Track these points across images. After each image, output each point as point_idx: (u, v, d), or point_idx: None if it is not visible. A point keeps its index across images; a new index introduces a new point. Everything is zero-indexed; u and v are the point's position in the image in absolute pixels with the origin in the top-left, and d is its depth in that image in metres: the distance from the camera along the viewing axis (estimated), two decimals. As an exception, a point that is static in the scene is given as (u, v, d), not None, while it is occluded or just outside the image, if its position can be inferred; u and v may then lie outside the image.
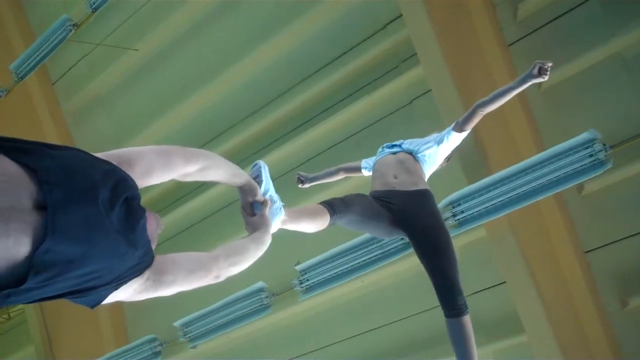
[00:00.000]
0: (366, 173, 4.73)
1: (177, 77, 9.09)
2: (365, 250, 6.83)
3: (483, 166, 6.11)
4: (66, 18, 9.27)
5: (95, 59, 9.77)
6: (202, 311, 7.83)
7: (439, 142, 4.38)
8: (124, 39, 9.26)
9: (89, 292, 2.09)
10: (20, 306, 11.06)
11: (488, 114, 6.16)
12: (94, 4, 9.00)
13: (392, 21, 7.07)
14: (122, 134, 9.70)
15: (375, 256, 6.76)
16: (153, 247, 2.32)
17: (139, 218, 2.15)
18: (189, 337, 7.92)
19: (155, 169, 2.32)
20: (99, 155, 2.18)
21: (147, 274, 2.27)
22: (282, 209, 3.06)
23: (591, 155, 5.46)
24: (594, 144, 5.44)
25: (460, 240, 6.56)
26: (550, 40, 6.21)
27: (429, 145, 4.38)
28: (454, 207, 6.15)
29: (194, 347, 7.94)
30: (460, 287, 3.85)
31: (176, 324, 7.83)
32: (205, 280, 2.47)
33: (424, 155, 4.38)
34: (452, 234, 6.08)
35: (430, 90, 6.55)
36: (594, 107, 6.03)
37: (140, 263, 2.21)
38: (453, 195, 6.08)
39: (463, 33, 6.35)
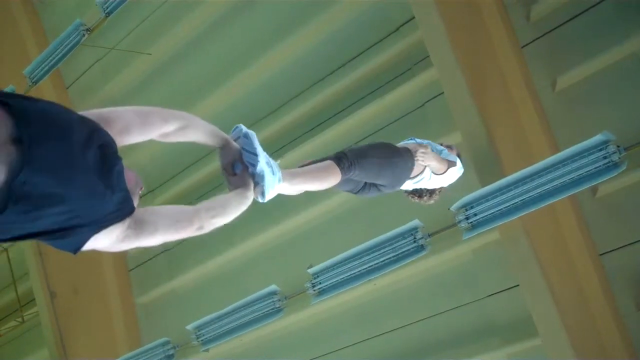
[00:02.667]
0: None
1: (190, 80, 9.12)
2: (377, 253, 6.80)
3: (496, 168, 6.08)
4: (79, 23, 9.32)
5: (108, 63, 9.82)
6: (214, 314, 7.82)
7: None
8: (137, 43, 9.31)
9: (69, 232, 2.18)
10: (34, 309, 11.11)
11: (501, 113, 6.19)
12: (107, 8, 9.06)
13: (404, 23, 7.07)
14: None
15: (388, 259, 6.74)
16: (135, 203, 2.41)
17: (114, 164, 2.27)
18: (202, 340, 7.92)
19: (133, 127, 2.43)
20: (82, 114, 2.29)
21: (127, 221, 2.36)
22: (279, 172, 3.00)
23: (605, 157, 5.42)
24: (607, 145, 5.40)
25: (473, 243, 6.56)
26: (564, 42, 6.19)
27: None
28: (467, 210, 6.12)
29: (207, 350, 7.95)
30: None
31: (189, 327, 7.84)
32: (188, 230, 2.55)
33: None
34: (465, 236, 6.12)
35: (443, 92, 6.54)
36: (608, 108, 6.00)
37: (120, 209, 2.30)
38: (466, 198, 6.05)
39: (476, 35, 6.33)
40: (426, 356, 7.09)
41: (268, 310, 7.70)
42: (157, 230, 2.45)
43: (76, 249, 2.28)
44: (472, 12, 6.35)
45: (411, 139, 4.64)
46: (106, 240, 2.34)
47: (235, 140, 2.88)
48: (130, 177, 2.44)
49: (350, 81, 7.50)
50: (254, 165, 2.84)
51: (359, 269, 6.92)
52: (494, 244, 6.47)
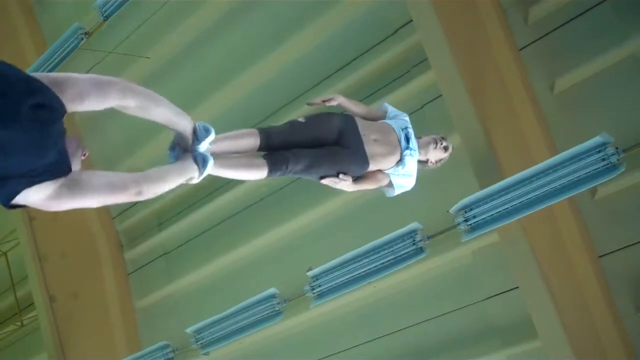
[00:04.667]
0: None
1: (189, 83, 9.11)
2: (377, 255, 6.82)
3: (495, 170, 6.08)
4: (78, 26, 9.33)
5: (107, 66, 9.81)
6: (214, 317, 7.82)
7: None
8: (136, 46, 9.30)
9: (1, 183, 2.29)
10: (34, 313, 11.09)
11: (500, 115, 6.20)
12: (105, 12, 9.06)
13: (402, 26, 7.07)
14: (132, 143, 9.74)
15: (387, 262, 6.76)
16: (76, 167, 2.53)
17: (50, 123, 2.37)
18: (201, 343, 7.92)
19: (87, 96, 2.52)
20: (32, 74, 2.41)
21: (62, 180, 2.45)
22: (210, 166, 3.18)
23: (604, 159, 5.44)
24: (606, 147, 5.42)
25: (472, 245, 6.57)
26: (562, 44, 6.20)
27: None
28: (466, 212, 6.14)
29: (207, 353, 7.94)
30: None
31: (189, 330, 7.84)
32: (125, 194, 2.64)
33: None
34: (464, 238, 6.13)
35: (441, 95, 6.54)
36: (607, 110, 6.01)
37: (53, 166, 2.41)
38: (465, 200, 6.07)
39: (474, 37, 6.34)
40: (427, 358, 7.09)
41: (268, 313, 7.70)
42: (91, 191, 2.53)
43: (6, 200, 2.37)
44: (470, 14, 6.36)
45: (383, 105, 4.59)
46: (38, 196, 2.42)
47: (195, 133, 3.10)
48: (72, 142, 2.55)
49: (348, 84, 7.50)
50: (198, 145, 3.10)
51: (359, 271, 6.93)
52: (493, 246, 6.48)
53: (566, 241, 6.04)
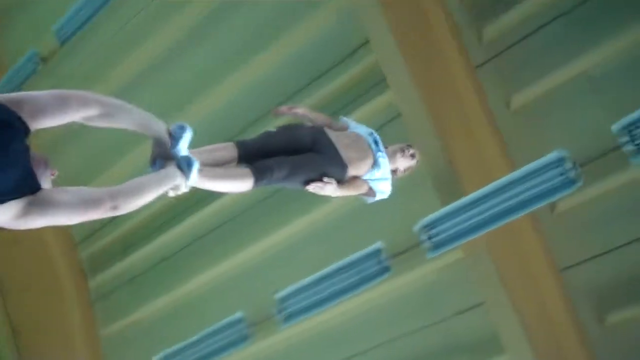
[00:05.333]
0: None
1: (148, 108, 9.03)
2: (343, 276, 6.84)
3: (456, 188, 6.14)
4: (34, 52, 9.24)
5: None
6: (181, 344, 7.76)
7: None
8: (94, 70, 9.23)
9: None
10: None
11: (459, 133, 6.25)
12: (62, 37, 8.99)
13: (360, 46, 7.10)
14: (101, 160, 9.62)
15: (353, 282, 6.79)
16: (46, 186, 2.49)
17: (10, 140, 2.34)
18: (169, 372, 7.85)
19: (47, 110, 2.46)
20: None
21: (30, 198, 2.40)
22: (196, 170, 3.02)
23: (562, 174, 5.53)
24: (564, 162, 5.52)
25: (437, 263, 6.59)
26: (517, 61, 6.26)
27: None
28: (429, 230, 6.18)
29: (174, 382, 7.86)
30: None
31: (155, 358, 7.75)
32: (100, 209, 2.53)
33: None
34: (429, 256, 6.16)
35: (400, 115, 6.58)
36: (563, 125, 6.08)
37: (19, 183, 2.36)
38: (428, 218, 6.13)
39: (430, 56, 6.40)
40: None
41: (235, 338, 7.66)
42: (63, 208, 2.45)
43: None
44: (426, 34, 6.42)
45: (343, 119, 4.61)
46: (5, 216, 2.37)
47: (172, 135, 2.94)
48: (39, 161, 2.49)
49: (308, 104, 7.49)
50: (175, 147, 2.93)
51: (325, 292, 6.94)
52: (458, 263, 6.51)
53: (529, 256, 6.10)
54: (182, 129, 2.94)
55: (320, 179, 3.98)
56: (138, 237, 9.67)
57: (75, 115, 2.54)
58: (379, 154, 4.34)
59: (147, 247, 9.50)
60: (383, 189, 4.40)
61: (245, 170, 3.74)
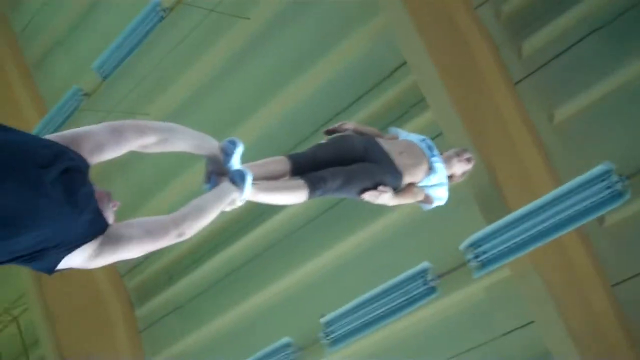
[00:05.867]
0: None
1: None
2: (389, 298, 6.78)
3: (501, 205, 6.08)
4: (77, 89, 9.43)
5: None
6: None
7: None
8: (136, 104, 9.40)
9: (41, 255, 2.28)
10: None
11: (501, 152, 6.21)
12: (103, 72, 9.16)
13: (397, 68, 7.12)
14: (142, 194, 9.75)
15: (400, 303, 6.72)
16: (110, 220, 2.49)
17: (80, 185, 2.35)
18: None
19: (106, 144, 2.48)
20: (46, 136, 2.39)
21: (100, 239, 2.42)
22: (250, 182, 3.01)
23: (608, 187, 5.44)
24: (610, 175, 5.43)
25: (484, 282, 6.52)
26: (557, 76, 6.23)
27: None
28: (475, 249, 6.11)
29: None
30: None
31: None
32: (167, 238, 2.56)
33: None
34: (475, 275, 6.09)
35: (442, 133, 6.57)
36: (608, 138, 6.02)
37: (90, 227, 2.38)
38: (474, 236, 6.05)
39: (469, 74, 6.39)
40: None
41: (284, 364, 7.64)
42: (133, 243, 2.48)
43: (50, 270, 2.35)
44: (463, 52, 6.42)
45: (392, 129, 4.59)
46: (79, 259, 2.40)
47: (224, 151, 2.96)
48: (102, 196, 2.50)
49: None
50: (228, 162, 2.94)
51: (372, 315, 6.88)
52: (505, 281, 6.44)
53: (578, 272, 6.00)
54: (233, 144, 2.95)
55: (375, 188, 3.92)
56: (183, 266, 9.76)
57: (132, 145, 2.56)
58: (434, 159, 4.28)
59: (192, 275, 9.58)
60: (440, 195, 4.34)
61: (299, 181, 3.69)
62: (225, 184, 2.90)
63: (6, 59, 11.12)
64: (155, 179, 9.56)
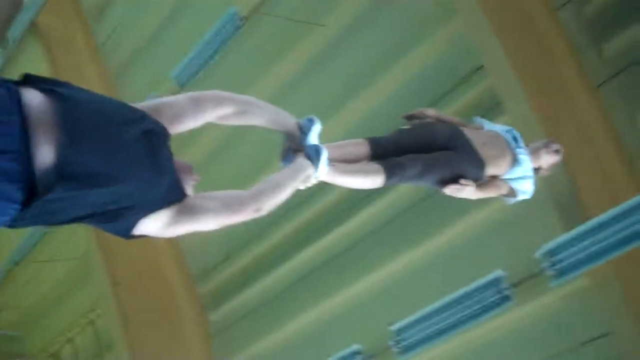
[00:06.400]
0: None
1: (246, 160, 9.26)
2: (461, 306, 6.69)
3: (580, 211, 5.94)
4: (154, 95, 9.66)
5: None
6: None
7: None
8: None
9: (117, 215, 2.30)
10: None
11: (581, 156, 6.05)
12: (181, 80, 9.36)
13: (474, 71, 7.05)
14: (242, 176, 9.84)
15: (472, 312, 6.63)
16: (188, 192, 2.51)
17: (160, 149, 2.37)
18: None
19: (185, 113, 2.52)
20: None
21: (177, 207, 2.44)
22: (325, 158, 2.97)
23: (693, 191, 5.26)
24: (696, 178, 5.25)
25: (561, 291, 6.35)
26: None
27: None
28: (552, 257, 5.98)
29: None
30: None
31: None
32: (244, 213, 2.57)
33: None
34: (552, 284, 5.95)
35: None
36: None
37: (168, 194, 2.40)
38: (551, 244, 5.94)
39: (548, 78, 6.26)
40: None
41: (355, 371, 7.60)
42: (209, 214, 2.50)
43: (126, 232, 2.39)
44: (542, 55, 6.31)
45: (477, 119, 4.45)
46: (155, 225, 2.43)
47: (302, 129, 2.95)
48: (183, 166, 2.54)
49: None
50: (305, 140, 2.92)
51: (443, 323, 6.80)
52: (583, 291, 6.24)
53: (660, 282, 5.80)
54: (311, 121, 2.95)
55: (456, 180, 3.81)
56: (255, 271, 9.83)
57: (211, 115, 2.60)
58: (519, 150, 4.15)
59: (264, 280, 9.64)
60: (525, 188, 4.21)
61: (376, 166, 3.62)
62: (301, 160, 2.90)
63: (89, 70, 11.50)
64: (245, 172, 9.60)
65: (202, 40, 8.91)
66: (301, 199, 8.68)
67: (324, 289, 8.69)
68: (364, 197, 8.19)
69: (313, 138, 2.94)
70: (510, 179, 4.13)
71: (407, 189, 7.72)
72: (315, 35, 8.46)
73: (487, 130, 4.25)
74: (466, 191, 3.84)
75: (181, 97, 2.57)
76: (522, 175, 4.15)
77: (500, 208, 6.92)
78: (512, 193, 4.18)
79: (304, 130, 2.93)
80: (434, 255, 7.57)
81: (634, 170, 6.06)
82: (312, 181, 2.97)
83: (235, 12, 8.56)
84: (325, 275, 8.77)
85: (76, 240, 11.43)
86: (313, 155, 2.90)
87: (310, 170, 2.87)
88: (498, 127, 4.32)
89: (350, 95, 8.21)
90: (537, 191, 5.68)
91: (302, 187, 2.94)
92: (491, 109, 6.84)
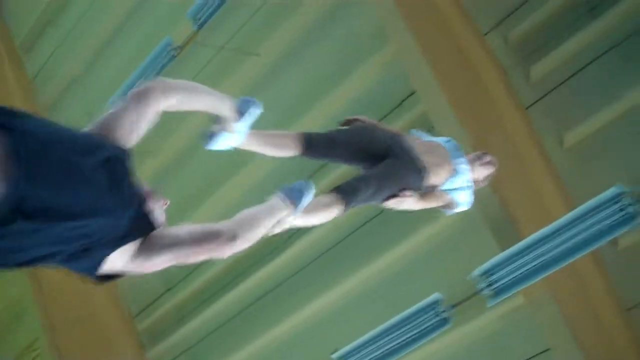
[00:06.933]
0: None
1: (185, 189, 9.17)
2: (401, 330, 6.70)
3: (513, 231, 6.03)
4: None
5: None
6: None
7: None
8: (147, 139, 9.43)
9: (82, 253, 2.13)
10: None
11: (512, 177, 6.18)
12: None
13: (407, 98, 7.16)
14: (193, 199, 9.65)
15: (412, 336, 6.66)
16: (161, 220, 2.37)
17: (124, 176, 2.21)
18: None
19: (131, 117, 2.37)
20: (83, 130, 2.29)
21: (147, 239, 2.29)
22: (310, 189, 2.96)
23: (621, 210, 5.43)
24: (622, 198, 5.41)
25: (498, 310, 6.43)
26: (567, 99, 6.25)
27: None
28: (488, 277, 6.05)
29: None
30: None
31: None
32: (219, 241, 2.40)
33: None
34: (489, 304, 6.00)
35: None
36: (619, 160, 6.00)
37: (135, 225, 2.23)
38: (486, 264, 6.00)
39: (479, 101, 6.41)
40: None
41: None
42: (182, 244, 2.36)
43: (93, 269, 2.21)
44: (473, 80, 6.45)
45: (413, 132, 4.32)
46: (122, 259, 2.27)
47: (238, 110, 2.94)
48: (150, 194, 2.38)
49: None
50: (241, 121, 2.93)
51: (384, 348, 6.79)
52: (520, 309, 6.33)
53: (592, 296, 5.92)
54: (248, 103, 2.93)
55: (399, 194, 3.70)
56: (193, 307, 9.68)
57: (158, 109, 2.47)
58: (460, 160, 4.08)
59: (202, 316, 9.49)
60: (464, 199, 4.13)
61: (332, 197, 3.47)
62: (277, 199, 2.80)
63: (19, 103, 11.25)
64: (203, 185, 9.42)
65: (137, 69, 8.80)
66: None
67: (264, 322, 8.60)
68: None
69: (248, 123, 2.93)
70: (450, 190, 4.05)
71: (347, 215, 7.74)
72: (250, 65, 8.48)
73: (424, 140, 4.18)
74: (407, 202, 3.76)
75: (125, 103, 2.40)
76: (461, 186, 4.08)
77: (437, 232, 7.04)
78: (451, 204, 4.11)
79: (241, 112, 2.92)
80: (374, 281, 7.59)
81: (564, 189, 6.21)
82: (291, 220, 2.87)
83: (170, 42, 8.51)
84: (264, 308, 8.68)
85: (12, 280, 11.08)
86: (296, 197, 2.84)
87: (284, 210, 2.79)
88: (437, 138, 4.26)
89: (285, 124, 8.21)
90: (471, 213, 5.78)
91: (277, 230, 2.85)
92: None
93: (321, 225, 7.79)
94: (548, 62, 6.30)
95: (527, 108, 6.42)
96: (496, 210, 6.17)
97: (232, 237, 2.43)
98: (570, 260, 5.59)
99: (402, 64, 6.92)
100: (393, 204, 3.73)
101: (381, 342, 6.82)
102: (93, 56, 10.56)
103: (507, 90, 6.40)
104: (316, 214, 3.36)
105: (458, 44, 6.49)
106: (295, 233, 8.20)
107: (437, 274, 6.84)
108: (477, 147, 6.07)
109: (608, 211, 5.47)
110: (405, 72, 6.90)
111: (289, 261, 8.39)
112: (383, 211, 7.30)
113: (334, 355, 7.07)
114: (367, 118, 4.13)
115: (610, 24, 6.01)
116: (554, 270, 5.66)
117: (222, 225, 2.46)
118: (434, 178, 3.92)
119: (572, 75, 6.19)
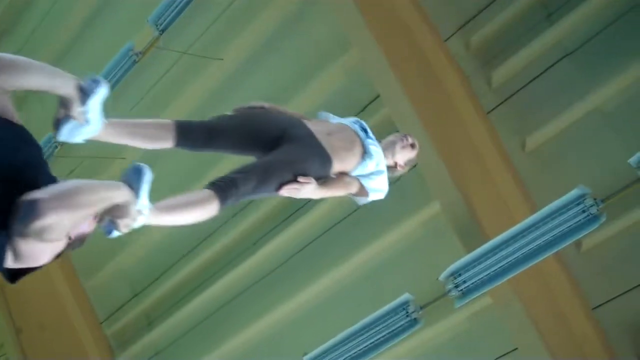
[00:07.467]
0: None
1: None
2: (372, 332, 6.74)
3: (479, 234, 6.11)
4: (50, 136, 9.35)
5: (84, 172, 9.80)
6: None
7: None
8: (106, 148, 9.33)
9: None
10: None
11: (476, 179, 6.26)
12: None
13: (371, 102, 7.19)
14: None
15: (383, 337, 6.69)
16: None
17: None
18: None
19: None
20: None
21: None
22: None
23: (584, 211, 5.51)
24: (585, 199, 5.50)
25: (466, 311, 6.52)
26: (528, 103, 6.34)
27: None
28: (455, 278, 6.13)
29: None
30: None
31: None
32: (31, 217, 2.20)
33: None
34: (457, 305, 6.09)
35: (416, 165, 6.62)
36: (580, 162, 6.11)
37: None
38: (453, 266, 6.07)
39: (441, 106, 6.47)
40: None
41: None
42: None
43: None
44: (436, 85, 6.51)
45: (322, 114, 4.01)
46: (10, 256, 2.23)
47: (84, 91, 2.59)
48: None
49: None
50: (85, 103, 2.57)
51: (355, 350, 6.82)
52: (487, 309, 6.44)
53: (558, 296, 6.03)
54: (96, 83, 2.57)
55: (294, 180, 3.31)
56: (160, 311, 9.65)
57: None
58: (369, 141, 3.68)
59: (171, 319, 9.46)
60: (377, 186, 3.70)
61: (206, 192, 3.07)
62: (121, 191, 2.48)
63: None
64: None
65: (99, 74, 8.66)
66: (208, 232, 8.62)
67: (232, 325, 8.60)
68: (272, 228, 8.20)
69: (95, 106, 2.58)
70: (361, 176, 3.66)
71: (315, 218, 7.79)
72: (213, 69, 8.43)
73: (329, 122, 3.82)
74: (306, 190, 3.36)
75: None
76: (374, 171, 3.68)
77: (406, 233, 7.10)
78: (363, 192, 3.69)
79: (86, 93, 2.55)
80: (343, 284, 7.64)
81: (527, 191, 6.31)
82: (134, 223, 2.56)
83: (131, 47, 8.42)
84: (233, 312, 8.69)
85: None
86: (132, 177, 2.51)
87: (124, 192, 2.47)
88: (345, 120, 3.85)
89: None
90: (438, 216, 5.87)
91: (124, 230, 2.55)
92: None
93: (289, 227, 7.93)
94: (508, 67, 6.38)
95: (488, 113, 6.50)
96: (461, 213, 6.24)
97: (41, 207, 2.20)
98: (535, 261, 5.68)
99: (366, 69, 6.94)
100: (287, 192, 3.32)
101: (352, 343, 6.86)
102: (53, 62, 10.36)
103: (469, 96, 6.48)
104: (189, 212, 2.98)
105: (420, 49, 6.53)
106: (265, 236, 8.23)
107: (408, 276, 6.92)
108: (441, 150, 6.19)
109: (571, 213, 5.56)
110: (369, 76, 6.92)
111: (258, 265, 8.40)
112: (352, 213, 7.40)
113: (305, 358, 7.10)
114: (271, 104, 3.74)
115: (568, 29, 6.11)
116: (520, 271, 5.74)
117: (36, 192, 2.25)
118: (341, 164, 3.56)
119: (532, 80, 6.28)
